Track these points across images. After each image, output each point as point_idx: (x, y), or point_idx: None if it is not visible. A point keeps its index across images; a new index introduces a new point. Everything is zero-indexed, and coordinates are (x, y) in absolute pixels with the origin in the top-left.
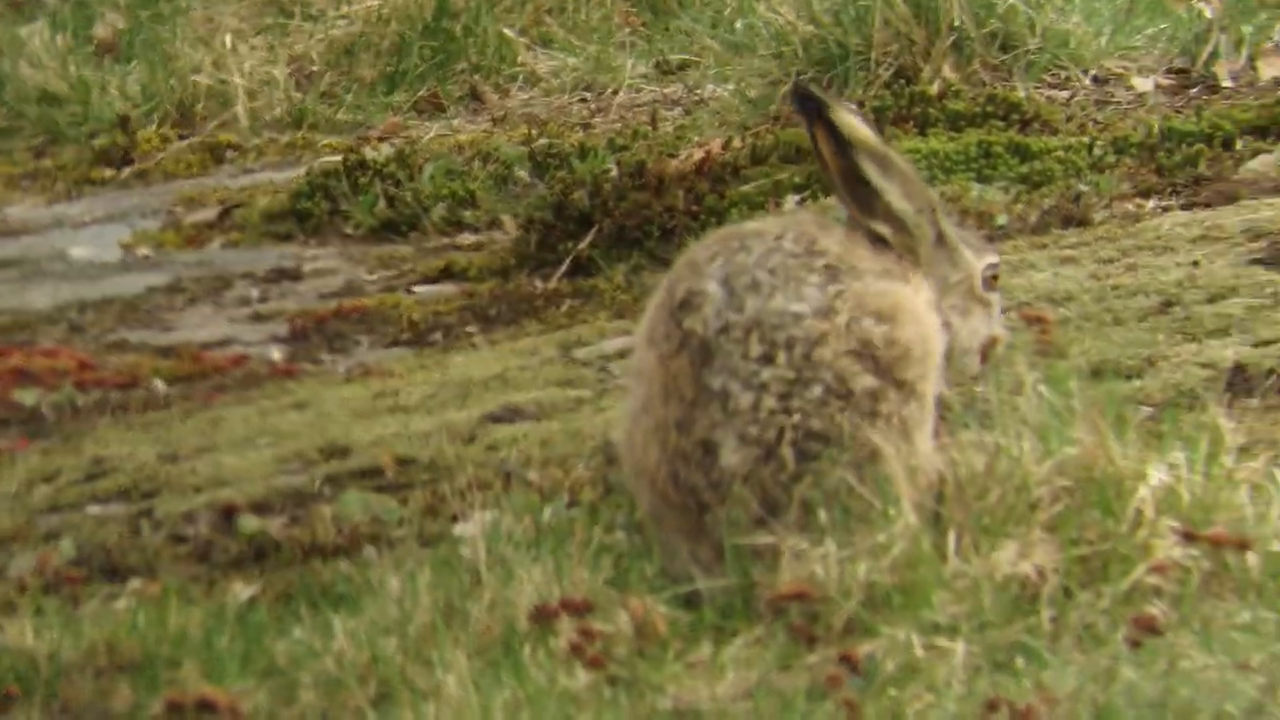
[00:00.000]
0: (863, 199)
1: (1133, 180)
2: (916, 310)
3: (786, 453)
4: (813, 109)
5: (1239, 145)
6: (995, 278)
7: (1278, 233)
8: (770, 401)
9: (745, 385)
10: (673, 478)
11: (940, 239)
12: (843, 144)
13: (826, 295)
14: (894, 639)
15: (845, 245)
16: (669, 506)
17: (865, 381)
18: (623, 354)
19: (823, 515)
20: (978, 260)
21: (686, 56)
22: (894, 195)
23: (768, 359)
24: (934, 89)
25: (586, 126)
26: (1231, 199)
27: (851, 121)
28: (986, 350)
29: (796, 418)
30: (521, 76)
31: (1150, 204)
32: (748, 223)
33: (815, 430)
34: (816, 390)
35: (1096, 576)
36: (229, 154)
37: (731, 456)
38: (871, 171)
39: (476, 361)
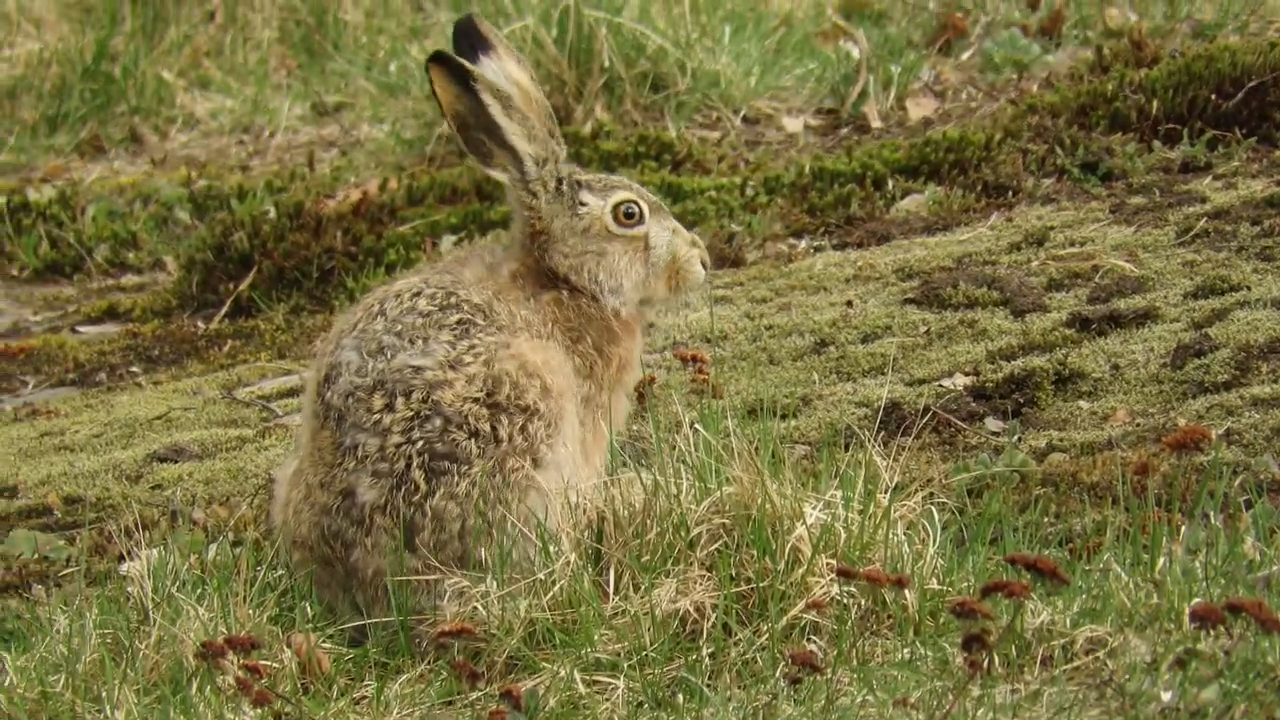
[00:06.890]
0: (479, 143)
1: (785, 220)
2: (542, 362)
3: (417, 475)
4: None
5: (890, 185)
6: (630, 214)
7: (929, 272)
8: (395, 439)
9: (371, 434)
10: (321, 532)
11: (559, 187)
12: (466, 82)
13: (456, 350)
14: (556, 675)
15: (484, 293)
16: (323, 564)
17: (485, 415)
18: (283, 393)
19: (483, 552)
20: (603, 200)
21: (342, 98)
22: (515, 134)
23: (389, 408)
24: (587, 130)
25: (245, 168)
26: (883, 239)
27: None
28: (674, 273)
29: (420, 444)
30: (180, 118)
31: (803, 244)
32: (398, 280)
33: (440, 452)
34: (437, 422)
35: (755, 614)
36: None
37: (368, 493)
38: (494, 109)
39: (141, 401)
